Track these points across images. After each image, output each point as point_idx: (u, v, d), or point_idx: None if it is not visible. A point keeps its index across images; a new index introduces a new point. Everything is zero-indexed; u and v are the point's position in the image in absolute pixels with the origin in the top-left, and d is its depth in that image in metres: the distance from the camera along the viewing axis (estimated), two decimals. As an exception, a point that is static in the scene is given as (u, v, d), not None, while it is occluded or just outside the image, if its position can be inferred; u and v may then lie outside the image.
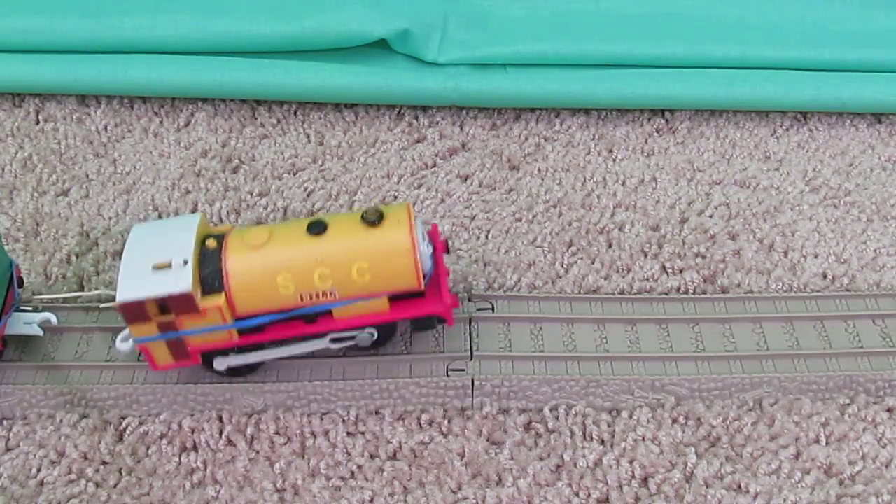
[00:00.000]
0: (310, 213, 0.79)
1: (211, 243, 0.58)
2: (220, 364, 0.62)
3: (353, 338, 0.62)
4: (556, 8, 0.91)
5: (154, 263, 0.57)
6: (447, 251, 0.63)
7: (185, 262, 0.57)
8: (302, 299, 0.59)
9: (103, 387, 0.64)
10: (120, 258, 0.59)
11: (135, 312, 0.57)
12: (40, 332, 0.66)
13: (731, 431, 0.64)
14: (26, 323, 0.66)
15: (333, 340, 0.62)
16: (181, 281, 0.56)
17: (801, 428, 0.64)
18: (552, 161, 0.84)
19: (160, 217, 0.78)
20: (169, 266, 0.57)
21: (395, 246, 0.58)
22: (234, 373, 0.64)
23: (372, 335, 0.62)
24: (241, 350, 0.62)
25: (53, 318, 0.66)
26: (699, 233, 0.77)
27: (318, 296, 0.59)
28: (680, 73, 0.87)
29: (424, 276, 0.59)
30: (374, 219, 0.58)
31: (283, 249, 0.58)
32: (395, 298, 0.61)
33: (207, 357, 0.62)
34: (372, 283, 0.59)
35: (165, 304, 0.57)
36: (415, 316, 0.62)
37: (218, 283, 0.58)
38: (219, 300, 0.57)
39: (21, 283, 0.68)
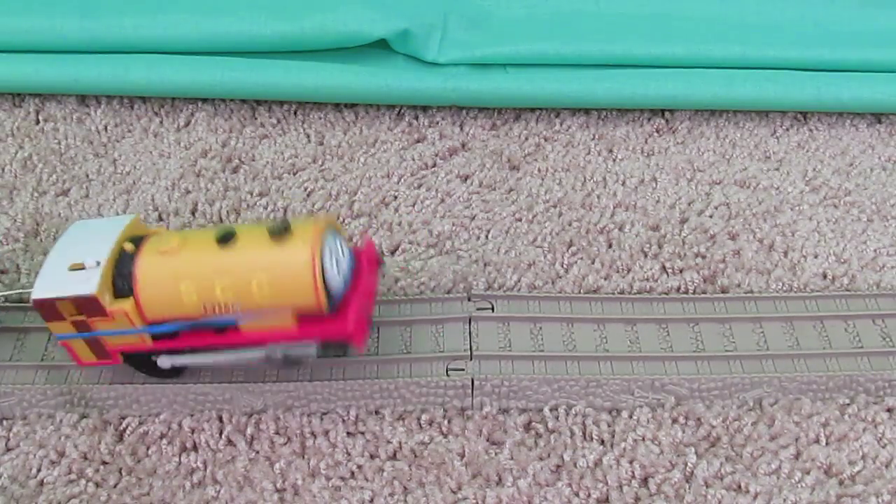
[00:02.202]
0: (310, 213, 0.79)
1: (129, 247, 0.59)
2: (164, 362, 0.62)
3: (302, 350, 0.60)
4: (556, 8, 0.91)
5: (70, 264, 0.58)
6: (380, 267, 0.61)
7: (98, 264, 0.58)
8: (205, 310, 0.58)
9: (103, 387, 0.65)
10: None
11: (49, 310, 0.58)
12: None
13: (731, 431, 0.64)
14: None
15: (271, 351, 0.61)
16: (89, 283, 0.57)
17: (801, 428, 0.64)
18: (552, 161, 0.84)
19: (160, 217, 0.78)
20: (83, 267, 0.58)
21: (294, 264, 0.56)
22: (176, 372, 0.64)
23: (309, 347, 0.60)
24: (182, 351, 0.62)
25: None
26: (699, 233, 0.77)
27: (219, 307, 0.58)
28: (680, 73, 0.87)
29: (332, 297, 0.58)
30: (278, 233, 0.57)
31: (189, 258, 0.58)
32: (305, 316, 0.59)
33: (133, 358, 0.62)
34: (272, 299, 0.58)
35: (77, 305, 0.58)
36: (317, 337, 0.60)
37: (128, 288, 0.58)
38: (126, 305, 0.58)
39: None
